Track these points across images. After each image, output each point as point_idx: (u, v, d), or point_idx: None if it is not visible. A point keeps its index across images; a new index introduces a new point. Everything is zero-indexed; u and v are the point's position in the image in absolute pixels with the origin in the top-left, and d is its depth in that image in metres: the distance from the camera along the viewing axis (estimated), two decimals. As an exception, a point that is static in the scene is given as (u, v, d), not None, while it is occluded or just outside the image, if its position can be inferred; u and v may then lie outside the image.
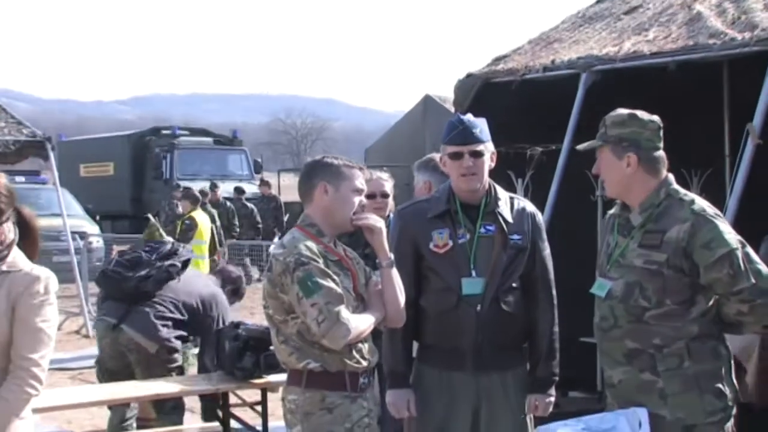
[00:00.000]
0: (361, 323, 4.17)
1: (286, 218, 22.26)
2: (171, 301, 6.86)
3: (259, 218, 21.19)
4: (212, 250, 14.85)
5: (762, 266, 4.13)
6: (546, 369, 4.68)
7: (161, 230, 11.96)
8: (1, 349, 3.67)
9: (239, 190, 21.78)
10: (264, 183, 25.16)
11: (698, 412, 4.17)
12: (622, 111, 4.35)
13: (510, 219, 4.63)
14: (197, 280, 7.53)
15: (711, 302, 4.23)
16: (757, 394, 5.47)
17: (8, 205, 3.85)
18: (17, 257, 3.82)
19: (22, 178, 21.27)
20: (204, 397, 7.22)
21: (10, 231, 3.84)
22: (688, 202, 4.22)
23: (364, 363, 4.28)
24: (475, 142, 4.54)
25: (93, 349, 12.90)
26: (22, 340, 3.68)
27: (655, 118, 4.33)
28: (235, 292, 7.81)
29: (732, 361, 4.35)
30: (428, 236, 4.58)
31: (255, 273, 19.28)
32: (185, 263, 7.24)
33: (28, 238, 3.98)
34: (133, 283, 6.87)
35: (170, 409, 6.92)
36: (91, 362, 12.00)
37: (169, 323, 6.79)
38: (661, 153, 4.30)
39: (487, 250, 4.56)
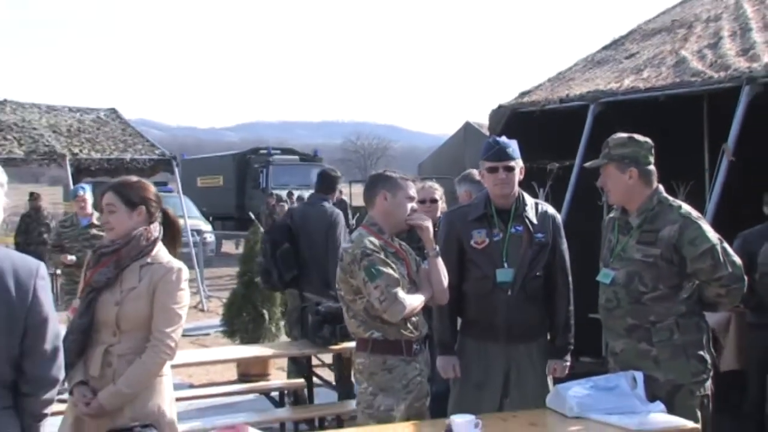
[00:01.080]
0: (414, 301, 4.16)
1: (354, 219, 22.27)
2: None
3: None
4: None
5: (736, 258, 4.17)
6: (563, 340, 4.67)
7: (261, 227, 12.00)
8: (145, 323, 3.71)
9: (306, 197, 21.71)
10: (339, 192, 25.24)
11: (685, 374, 4.18)
12: (623, 135, 4.34)
13: (535, 221, 4.60)
14: None
15: (694, 287, 4.23)
16: (738, 360, 5.41)
17: (156, 208, 3.93)
18: (160, 251, 3.87)
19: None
20: (292, 359, 7.23)
21: (156, 229, 3.89)
22: (676, 207, 4.25)
23: (416, 333, 4.27)
24: (507, 159, 4.52)
25: (207, 321, 13.11)
26: (158, 318, 3.72)
27: (648, 140, 4.33)
28: None
29: (710, 334, 4.37)
30: (469, 234, 4.56)
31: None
32: None
33: (170, 235, 4.04)
34: None
35: None
36: (206, 330, 12.21)
37: None
38: (653, 167, 4.30)
39: (517, 246, 4.54)
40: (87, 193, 8.66)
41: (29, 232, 14.86)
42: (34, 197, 15.73)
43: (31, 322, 2.81)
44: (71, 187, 14.99)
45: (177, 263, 3.85)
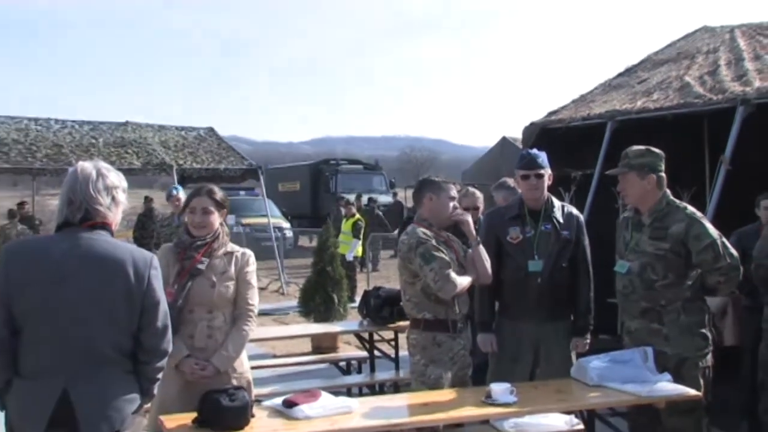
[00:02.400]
0: (463, 281, 4.15)
1: (406, 217, 22.19)
2: None
3: (384, 219, 20.95)
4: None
5: (733, 251, 4.18)
6: (584, 320, 4.61)
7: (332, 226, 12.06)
8: (231, 300, 3.79)
9: (372, 200, 21.75)
10: (395, 194, 25.65)
11: (691, 348, 4.17)
12: (640, 147, 4.33)
13: (561, 220, 4.57)
14: None
15: (698, 275, 4.21)
16: (735, 337, 5.39)
17: (227, 209, 3.97)
18: (230, 242, 3.93)
19: (243, 192, 21.71)
20: (358, 335, 7.25)
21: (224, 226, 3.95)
22: (682, 208, 4.24)
23: (460, 313, 4.25)
24: (538, 168, 4.51)
25: (287, 303, 13.16)
26: (246, 294, 3.82)
27: (660, 151, 4.31)
28: None
29: (710, 315, 4.35)
30: (506, 231, 4.54)
31: (385, 255, 19.35)
32: None
33: None
34: None
35: None
36: (286, 310, 12.26)
37: None
38: (663, 174, 4.28)
39: (546, 242, 4.51)
40: (180, 193, 8.48)
41: (144, 228, 15.09)
42: (148, 200, 16.02)
43: (146, 303, 2.85)
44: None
45: (248, 251, 3.94)
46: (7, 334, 2.80)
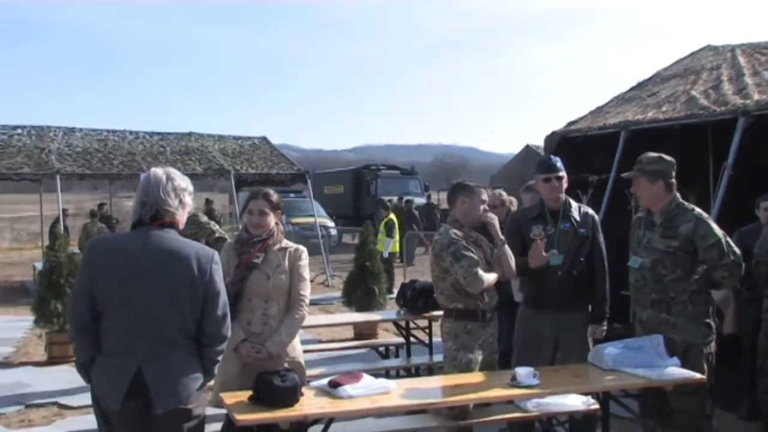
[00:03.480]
0: (489, 277, 4.14)
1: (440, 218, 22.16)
2: None
3: (419, 219, 20.81)
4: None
5: (736, 249, 4.15)
6: (600, 310, 4.58)
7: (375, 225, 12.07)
8: (285, 291, 3.79)
9: (410, 201, 21.72)
10: (429, 197, 25.52)
11: (696, 337, 4.13)
12: (653, 154, 4.29)
13: (579, 219, 4.54)
14: None
15: (703, 271, 4.17)
16: (734, 326, 5.30)
17: (281, 210, 3.96)
18: (285, 238, 3.94)
19: (293, 195, 21.87)
20: (395, 323, 7.27)
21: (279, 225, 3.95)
22: (690, 210, 4.19)
23: (489, 304, 4.23)
24: (557, 171, 4.49)
25: (331, 294, 13.23)
26: (298, 286, 3.81)
27: (672, 159, 4.27)
28: None
29: (714, 307, 4.31)
30: (529, 229, 4.50)
31: (419, 251, 19.31)
32: None
33: None
34: None
35: None
36: (331, 301, 12.32)
37: None
38: (674, 180, 4.24)
39: (565, 239, 4.48)
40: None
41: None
42: (209, 202, 16.24)
43: (207, 294, 2.89)
44: (234, 194, 15.44)
45: (302, 247, 3.93)
46: (91, 318, 2.88)
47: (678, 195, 4.26)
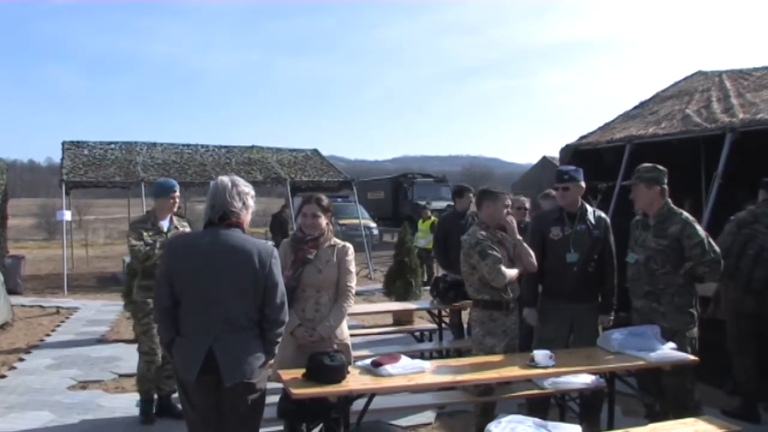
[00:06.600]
0: (511, 273, 4.13)
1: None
2: None
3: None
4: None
5: (716, 248, 4.15)
6: (609, 301, 4.53)
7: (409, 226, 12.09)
8: (334, 283, 3.76)
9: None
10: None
11: (682, 324, 4.15)
12: (649, 164, 4.30)
13: (593, 222, 4.50)
14: None
15: (688, 266, 4.16)
16: (717, 311, 5.28)
17: (332, 213, 3.92)
18: (334, 237, 3.90)
19: (340, 199, 21.99)
20: (429, 312, 7.24)
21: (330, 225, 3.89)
22: (679, 213, 4.21)
23: (511, 296, 4.22)
24: (563, 183, 4.45)
25: (373, 285, 13.26)
26: (346, 278, 3.77)
27: (664, 168, 4.26)
28: None
29: (697, 298, 4.28)
30: (549, 230, 4.48)
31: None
32: None
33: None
34: None
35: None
36: (373, 291, 12.35)
37: None
38: (666, 186, 4.25)
39: (580, 239, 4.44)
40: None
41: (281, 226, 15.88)
42: (283, 207, 16.58)
43: (268, 284, 2.92)
44: (290, 199, 15.63)
45: (348, 244, 3.88)
46: (170, 303, 2.94)
47: (670, 200, 4.26)
